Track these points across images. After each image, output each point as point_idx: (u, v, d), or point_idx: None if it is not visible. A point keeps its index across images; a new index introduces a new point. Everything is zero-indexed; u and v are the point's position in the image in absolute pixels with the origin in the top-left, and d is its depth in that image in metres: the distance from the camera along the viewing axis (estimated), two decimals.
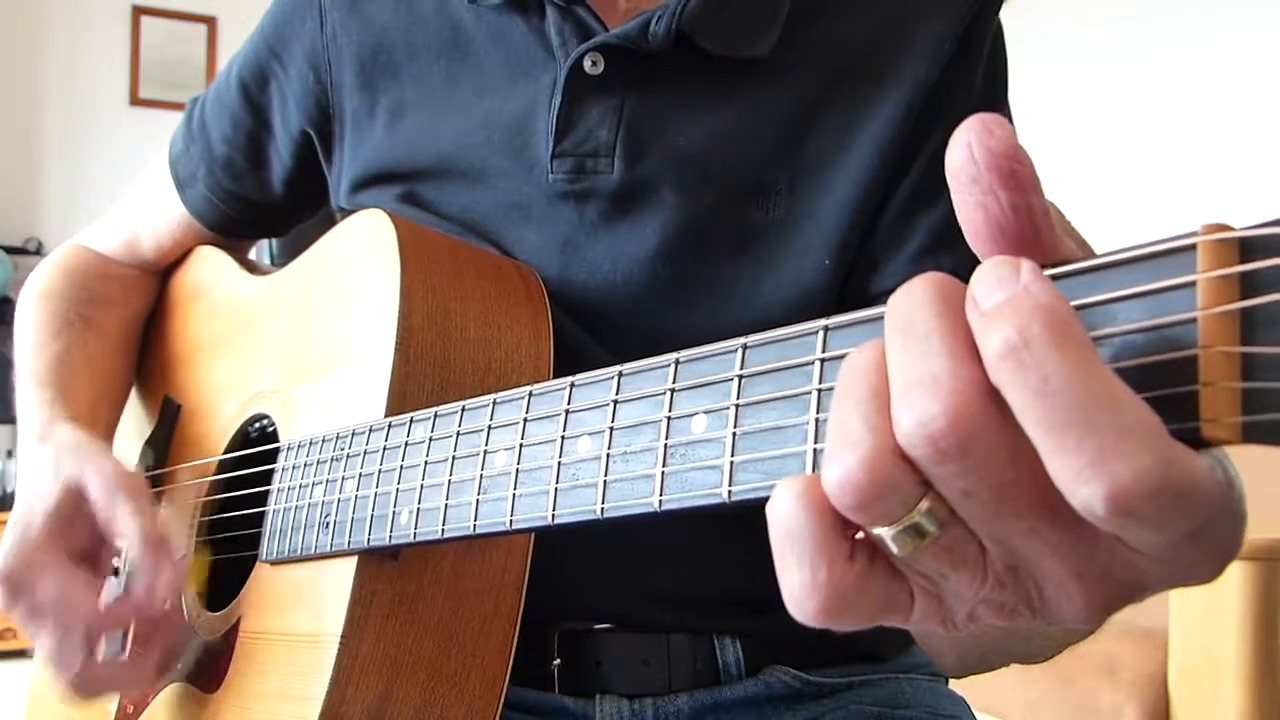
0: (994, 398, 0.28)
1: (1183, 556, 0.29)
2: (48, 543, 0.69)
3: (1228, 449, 0.32)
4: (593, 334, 0.71)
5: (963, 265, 0.80)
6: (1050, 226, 0.30)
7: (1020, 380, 0.27)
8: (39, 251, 4.05)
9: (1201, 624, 1.56)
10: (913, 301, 0.30)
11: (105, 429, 0.86)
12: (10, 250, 4.00)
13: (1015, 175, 0.30)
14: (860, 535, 0.32)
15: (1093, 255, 0.31)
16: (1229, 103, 3.21)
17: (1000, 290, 0.28)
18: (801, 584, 0.31)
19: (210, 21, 4.42)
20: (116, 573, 0.79)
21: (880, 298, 0.71)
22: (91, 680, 0.67)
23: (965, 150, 0.30)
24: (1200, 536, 0.28)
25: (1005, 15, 0.75)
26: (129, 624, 0.68)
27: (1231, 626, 1.51)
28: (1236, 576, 1.52)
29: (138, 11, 4.33)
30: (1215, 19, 3.25)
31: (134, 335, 0.95)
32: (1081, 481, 0.26)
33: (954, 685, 0.82)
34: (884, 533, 0.30)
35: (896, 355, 0.30)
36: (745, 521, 0.38)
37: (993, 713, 1.92)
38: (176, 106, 4.11)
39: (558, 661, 0.70)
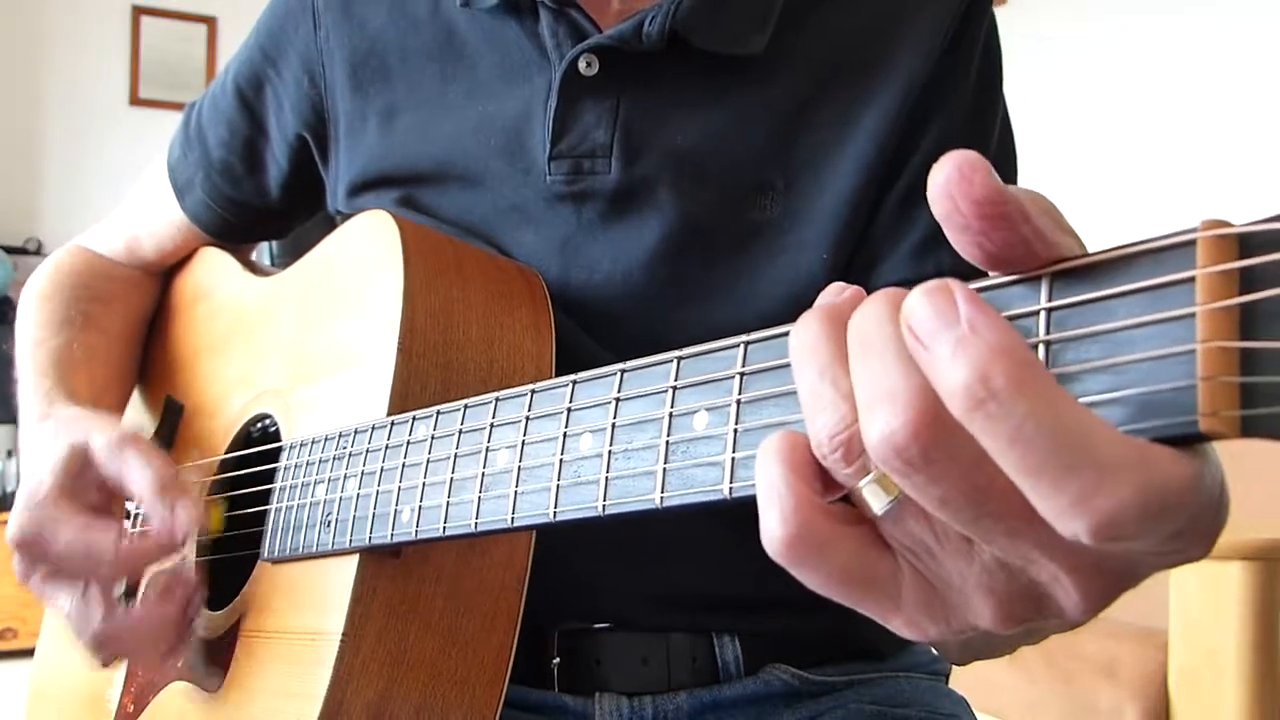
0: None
1: (1171, 547, 0.29)
2: (58, 500, 0.68)
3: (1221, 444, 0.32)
4: (592, 334, 0.71)
5: (962, 262, 0.80)
6: (1046, 241, 0.31)
7: (991, 430, 0.28)
8: (39, 251, 4.05)
9: (1201, 624, 1.56)
10: (868, 318, 0.32)
11: (106, 412, 0.85)
12: (10, 250, 4.00)
13: (1002, 218, 0.30)
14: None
15: (1083, 247, 0.32)
16: (1226, 98, 3.21)
17: (943, 329, 0.29)
18: (773, 516, 0.32)
19: (210, 21, 4.43)
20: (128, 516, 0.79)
21: None
22: (114, 634, 0.65)
23: (949, 201, 0.30)
24: (1186, 532, 0.29)
25: (998, 9, 0.75)
26: (149, 562, 0.67)
27: (1231, 626, 1.51)
28: (1236, 576, 1.52)
29: (138, 11, 4.33)
30: (1212, 13, 3.26)
31: (136, 332, 0.95)
32: (1066, 519, 0.27)
33: (954, 684, 0.82)
34: (864, 486, 0.32)
35: (858, 371, 0.31)
36: (745, 521, 0.38)
37: (993, 713, 1.92)
38: (176, 106, 4.12)
39: (557, 660, 0.70)
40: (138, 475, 0.66)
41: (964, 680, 0.84)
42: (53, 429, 0.72)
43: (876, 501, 0.32)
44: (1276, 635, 1.52)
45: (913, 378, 0.29)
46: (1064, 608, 0.32)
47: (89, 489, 0.69)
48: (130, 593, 0.75)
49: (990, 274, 0.33)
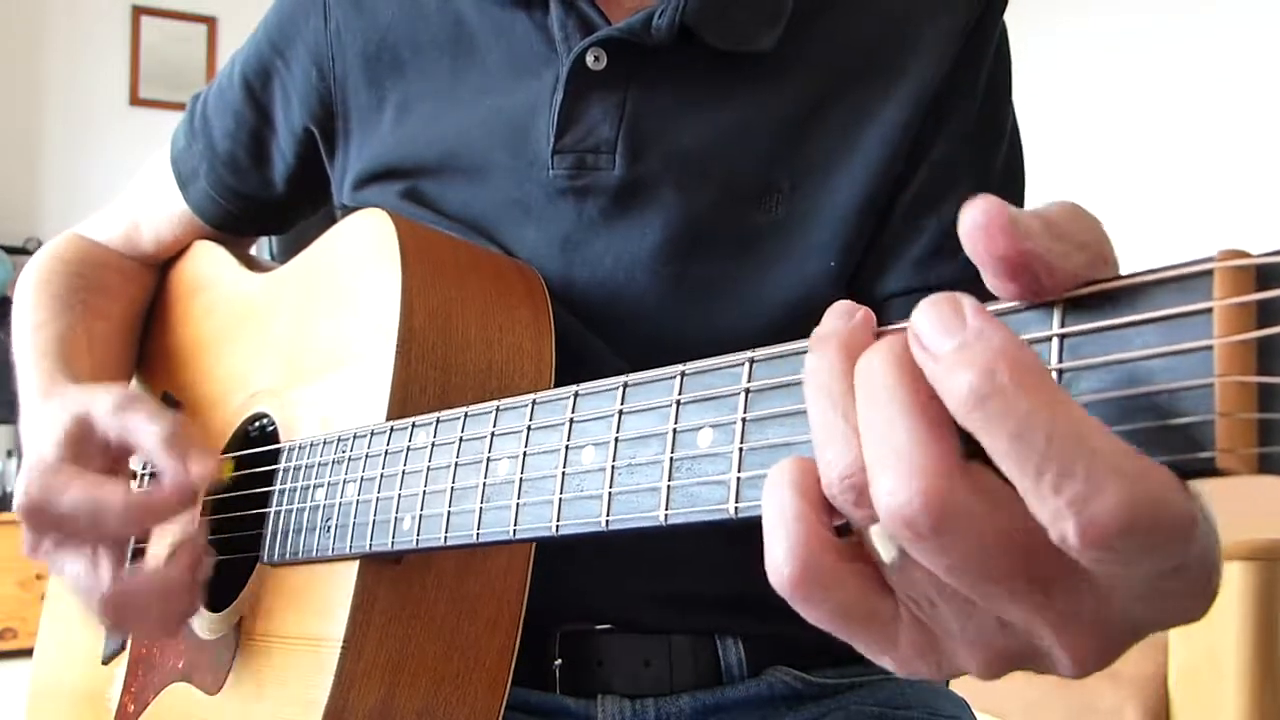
0: (963, 471, 0.29)
1: (1167, 593, 0.30)
2: (63, 465, 0.67)
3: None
4: (595, 332, 0.70)
5: (967, 272, 0.79)
6: (1070, 276, 0.30)
7: (991, 429, 0.28)
8: None
9: (1201, 624, 1.56)
10: (875, 362, 0.31)
11: None
12: (10, 250, 3.99)
13: (1024, 268, 0.30)
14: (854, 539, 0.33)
15: (1106, 247, 0.31)
16: (1234, 100, 3.20)
17: (949, 336, 0.29)
18: (780, 548, 0.32)
19: (210, 21, 4.42)
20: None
21: (887, 301, 0.71)
22: (125, 596, 0.64)
23: (974, 247, 0.30)
24: (1181, 573, 0.29)
25: (1008, 13, 0.75)
26: (158, 517, 0.65)
27: (1231, 626, 1.51)
28: (1236, 576, 1.52)
29: (138, 11, 4.32)
30: (1220, 13, 3.25)
31: (134, 323, 0.94)
32: (1060, 519, 0.27)
33: (954, 685, 0.82)
34: (874, 532, 0.32)
35: (865, 417, 0.31)
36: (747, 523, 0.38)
37: (993, 713, 1.92)
38: (176, 106, 4.11)
39: (559, 662, 0.70)
40: (144, 430, 0.65)
41: (964, 681, 0.84)
42: (58, 405, 0.71)
43: (885, 550, 0.32)
44: (1276, 635, 1.51)
45: (919, 434, 0.29)
46: (1057, 666, 0.32)
47: (93, 455, 0.68)
48: (138, 557, 0.74)
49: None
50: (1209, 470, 0.27)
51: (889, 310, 0.71)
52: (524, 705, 0.69)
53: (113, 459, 0.69)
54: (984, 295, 0.32)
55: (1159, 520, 0.27)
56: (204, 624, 0.72)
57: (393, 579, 0.59)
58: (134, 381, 0.93)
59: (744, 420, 0.37)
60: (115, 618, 0.64)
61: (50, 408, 0.72)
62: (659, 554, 0.70)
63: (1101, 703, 1.74)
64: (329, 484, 0.61)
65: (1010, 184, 0.75)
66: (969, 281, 0.33)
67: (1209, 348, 0.27)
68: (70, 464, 0.67)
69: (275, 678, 0.63)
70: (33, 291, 0.90)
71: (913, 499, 0.28)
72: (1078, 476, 0.27)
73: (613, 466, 0.42)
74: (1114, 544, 0.27)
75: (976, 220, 0.29)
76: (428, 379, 0.62)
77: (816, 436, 0.32)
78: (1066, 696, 1.82)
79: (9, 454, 3.92)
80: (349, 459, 0.60)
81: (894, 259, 0.71)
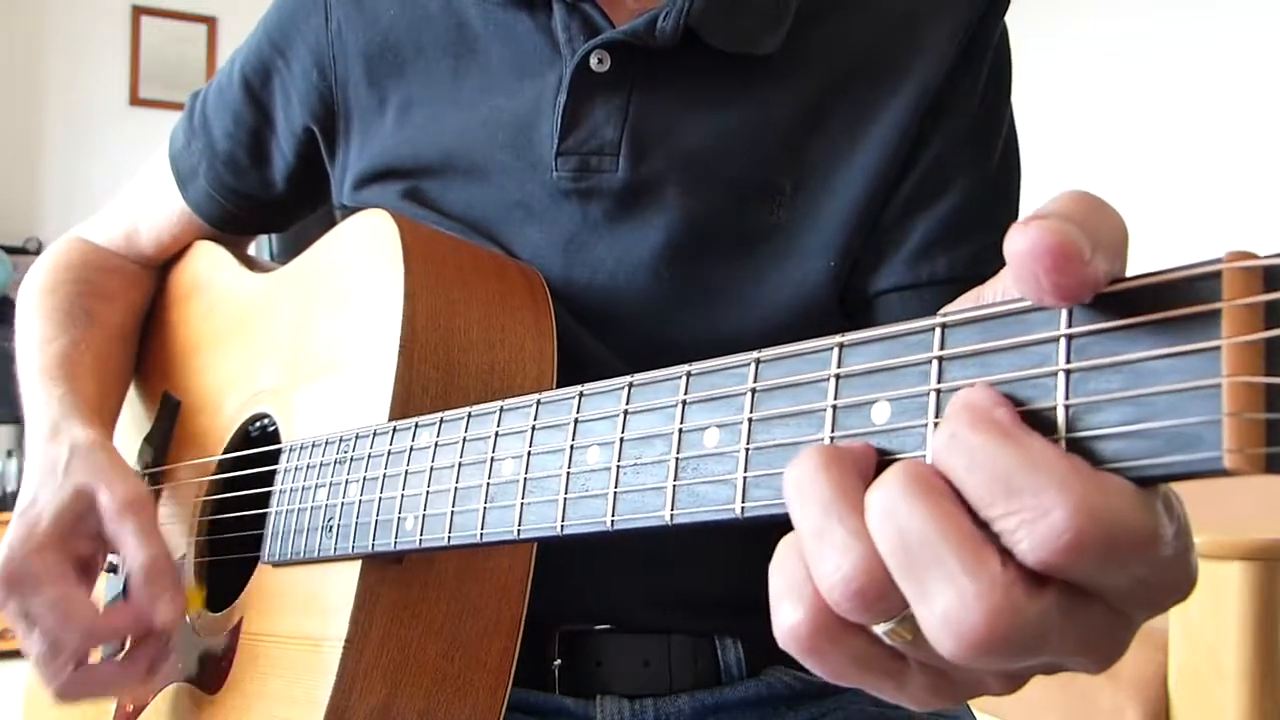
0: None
1: (1154, 589, 0.31)
2: (51, 546, 0.68)
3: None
4: (596, 334, 0.70)
5: (958, 265, 0.79)
6: (1106, 279, 0.31)
7: (952, 464, 0.31)
8: (39, 251, 4.03)
9: (1201, 624, 1.56)
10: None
11: (111, 420, 0.86)
12: (10, 250, 3.99)
13: (1085, 293, 0.30)
14: None
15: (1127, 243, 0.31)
16: (1236, 102, 3.20)
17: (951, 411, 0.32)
18: (792, 624, 0.33)
19: (210, 21, 4.41)
20: (114, 569, 0.79)
21: (879, 297, 0.71)
22: (79, 685, 0.67)
23: (1032, 280, 0.30)
24: (1164, 572, 0.30)
25: (1008, 14, 0.75)
26: (121, 637, 0.68)
27: (1231, 626, 1.51)
28: (1236, 576, 1.51)
29: (138, 11, 4.32)
30: (1220, 15, 3.25)
31: (135, 328, 0.94)
32: (1015, 540, 0.29)
33: None
34: (879, 630, 0.33)
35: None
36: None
37: (993, 713, 1.92)
38: (176, 106, 4.08)
39: (558, 662, 0.70)
40: (131, 554, 0.68)
41: None
42: (65, 456, 0.73)
43: (893, 640, 0.33)
44: (1276, 635, 1.51)
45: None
46: (1080, 670, 0.33)
47: (82, 538, 0.70)
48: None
49: (1006, 293, 0.33)
50: (1217, 470, 0.27)
51: (881, 306, 0.71)
52: (523, 705, 0.69)
53: (99, 544, 0.71)
54: (970, 292, 0.32)
55: (1113, 532, 0.28)
56: (204, 624, 0.72)
57: (395, 579, 0.59)
58: (132, 387, 0.93)
59: (750, 420, 0.37)
60: (67, 701, 0.68)
61: (57, 454, 0.73)
62: (658, 554, 0.71)
63: (1101, 703, 1.74)
64: (331, 484, 0.61)
65: (1005, 184, 0.75)
66: (960, 278, 0.33)
67: (1217, 348, 0.27)
68: (55, 550, 0.69)
69: (276, 677, 0.63)
70: (36, 301, 0.91)
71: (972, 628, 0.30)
72: (1024, 500, 0.29)
73: (618, 466, 0.42)
74: (1069, 558, 0.28)
75: (1040, 245, 0.29)
76: (430, 379, 0.62)
77: (810, 545, 0.33)
78: (1066, 696, 1.82)
79: (9, 454, 3.92)
80: (351, 459, 0.60)
81: (887, 255, 0.71)
